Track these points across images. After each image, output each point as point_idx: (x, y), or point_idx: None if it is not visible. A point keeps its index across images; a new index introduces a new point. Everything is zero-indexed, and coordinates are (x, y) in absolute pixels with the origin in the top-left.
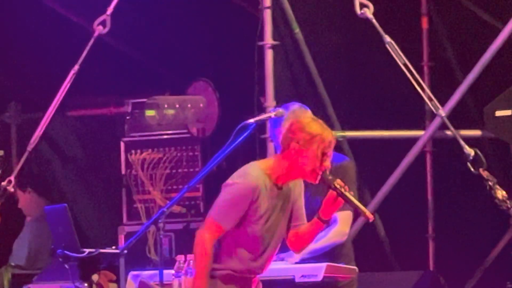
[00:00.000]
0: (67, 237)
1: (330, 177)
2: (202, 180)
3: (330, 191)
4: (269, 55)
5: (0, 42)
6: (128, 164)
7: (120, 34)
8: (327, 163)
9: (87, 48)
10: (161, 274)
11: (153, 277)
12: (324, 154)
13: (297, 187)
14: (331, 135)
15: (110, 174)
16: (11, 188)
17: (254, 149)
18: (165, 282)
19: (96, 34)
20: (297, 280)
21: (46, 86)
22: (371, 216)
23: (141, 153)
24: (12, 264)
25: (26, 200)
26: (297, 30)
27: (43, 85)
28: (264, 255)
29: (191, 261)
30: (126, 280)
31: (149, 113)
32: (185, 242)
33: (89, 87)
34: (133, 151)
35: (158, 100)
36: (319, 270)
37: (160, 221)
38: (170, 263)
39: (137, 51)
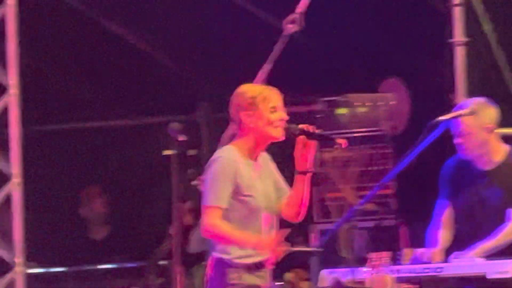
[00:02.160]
0: None
1: (292, 126)
2: (394, 177)
3: (297, 138)
4: (460, 52)
5: (191, 41)
6: (320, 162)
7: (310, 32)
8: (281, 114)
9: (279, 46)
10: (354, 272)
11: (346, 275)
12: (272, 107)
13: (269, 162)
14: (270, 89)
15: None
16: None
17: (445, 146)
18: (358, 280)
19: (286, 32)
20: (489, 276)
21: (236, 85)
22: (343, 141)
23: (333, 151)
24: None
25: None
26: (487, 27)
27: (233, 84)
28: (265, 231)
29: (384, 259)
30: (318, 278)
31: (341, 111)
32: (377, 239)
33: (280, 85)
34: (324, 149)
35: (349, 98)
36: (509, 266)
37: (353, 219)
38: (362, 261)
39: (328, 49)
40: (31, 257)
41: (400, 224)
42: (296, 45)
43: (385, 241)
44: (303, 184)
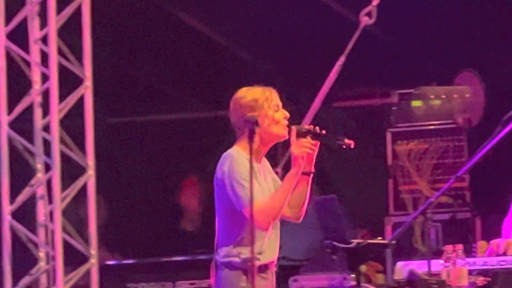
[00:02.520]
0: (335, 228)
1: (298, 126)
2: (469, 170)
3: (300, 139)
4: None
5: (267, 35)
6: (394, 155)
7: (385, 25)
8: (285, 112)
9: (353, 39)
10: (429, 264)
11: (421, 267)
12: (276, 106)
13: (267, 163)
14: (270, 89)
15: (376, 165)
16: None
17: None
18: (433, 272)
19: (362, 25)
20: None
21: (312, 77)
22: (351, 142)
23: (408, 143)
24: (279, 255)
25: None
26: None
27: (309, 77)
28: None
29: (459, 251)
30: (393, 270)
31: (416, 103)
32: (452, 232)
33: (354, 78)
34: (399, 142)
35: (424, 91)
36: None
37: (428, 211)
38: (437, 254)
39: (402, 42)
40: (116, 249)
41: (474, 216)
42: (371, 38)
43: (459, 233)
44: (306, 184)
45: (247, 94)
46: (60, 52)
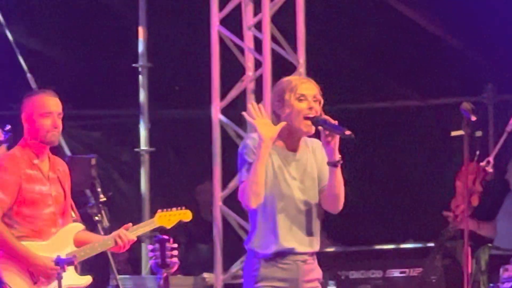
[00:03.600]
0: None
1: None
2: None
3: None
4: None
5: (478, 24)
6: None
7: None
8: (309, 103)
9: None
10: None
11: None
12: (301, 95)
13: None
14: (300, 78)
15: None
16: (489, 169)
17: None
18: None
19: None
20: None
21: None
22: (348, 132)
23: None
24: (490, 244)
25: None
26: None
27: None
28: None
29: None
30: None
31: None
32: None
33: None
34: None
35: None
36: None
37: None
38: None
39: None
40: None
41: None
42: None
43: None
44: (333, 176)
45: (279, 82)
46: (274, 39)
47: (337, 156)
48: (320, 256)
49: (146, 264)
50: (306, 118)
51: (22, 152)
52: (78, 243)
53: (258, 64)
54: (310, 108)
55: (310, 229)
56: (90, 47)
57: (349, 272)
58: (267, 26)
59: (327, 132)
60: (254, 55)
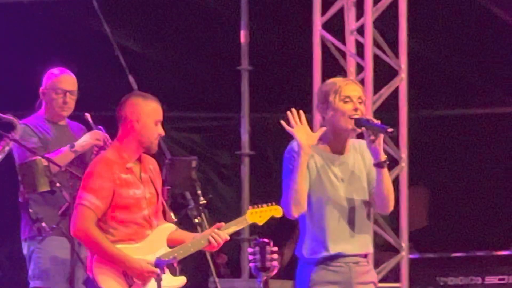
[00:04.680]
0: None
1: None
2: None
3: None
4: None
5: None
6: None
7: None
8: (354, 104)
9: None
10: None
11: None
12: (346, 97)
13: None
14: (344, 80)
15: None
16: None
17: None
18: None
19: None
20: None
21: None
22: (391, 129)
23: None
24: None
25: None
26: None
27: None
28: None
29: None
30: None
31: None
32: None
33: None
34: None
35: None
36: None
37: None
38: None
39: None
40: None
41: None
42: None
43: None
44: (380, 177)
45: (322, 85)
46: (376, 43)
47: (383, 157)
48: (419, 262)
49: (246, 267)
50: (351, 118)
51: (115, 155)
52: (172, 243)
53: (360, 69)
54: (356, 109)
55: (360, 230)
56: (192, 50)
57: (447, 278)
58: (369, 30)
59: (370, 132)
60: (356, 60)
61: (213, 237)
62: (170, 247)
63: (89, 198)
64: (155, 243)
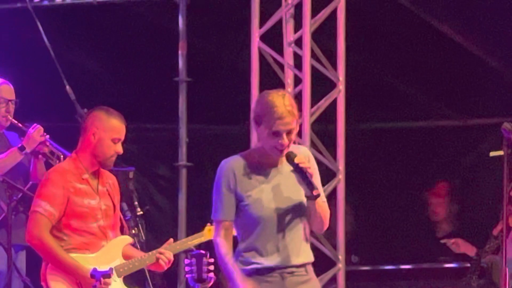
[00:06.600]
0: None
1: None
2: None
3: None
4: None
5: None
6: None
7: None
8: (282, 140)
9: None
10: None
11: None
12: (276, 132)
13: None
14: (281, 113)
15: None
16: None
17: None
18: None
19: None
20: None
21: None
22: (318, 192)
23: None
24: None
25: None
26: None
27: None
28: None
29: None
30: None
31: None
32: None
33: None
34: None
35: None
36: None
37: None
38: None
39: None
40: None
41: None
42: None
43: None
44: (313, 207)
45: (258, 101)
46: (314, 55)
47: (315, 191)
48: (349, 275)
49: (182, 278)
50: (280, 151)
51: (71, 165)
52: (125, 257)
53: (298, 81)
54: (282, 145)
55: (293, 240)
56: (130, 60)
57: None
58: (307, 42)
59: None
60: (294, 72)
61: (159, 256)
62: (125, 259)
63: (43, 205)
64: (110, 254)
